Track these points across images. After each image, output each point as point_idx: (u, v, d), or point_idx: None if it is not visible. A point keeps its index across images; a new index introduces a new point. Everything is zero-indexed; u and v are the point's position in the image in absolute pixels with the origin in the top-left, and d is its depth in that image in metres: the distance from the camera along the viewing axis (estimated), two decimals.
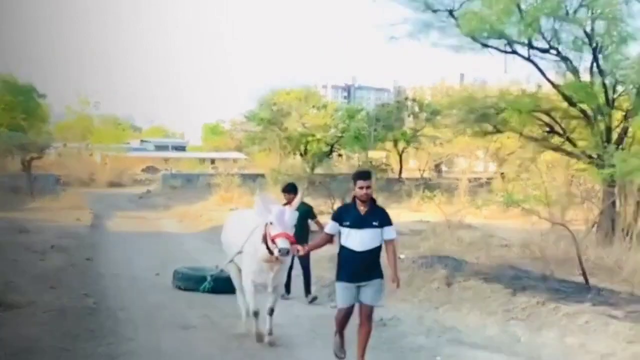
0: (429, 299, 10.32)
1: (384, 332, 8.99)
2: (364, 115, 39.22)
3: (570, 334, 8.34)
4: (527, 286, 10.06)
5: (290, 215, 7.43)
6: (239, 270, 8.66)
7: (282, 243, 7.16)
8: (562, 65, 14.54)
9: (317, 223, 11.22)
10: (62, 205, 26.47)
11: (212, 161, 63.64)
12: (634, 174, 11.96)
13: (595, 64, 13.80)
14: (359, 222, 6.74)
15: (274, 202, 7.84)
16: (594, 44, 13.48)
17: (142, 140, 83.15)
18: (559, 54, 14.26)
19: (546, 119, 15.32)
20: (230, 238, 8.86)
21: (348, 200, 18.60)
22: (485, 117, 15.88)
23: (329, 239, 7.07)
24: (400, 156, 41.52)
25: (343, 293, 6.85)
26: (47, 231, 17.99)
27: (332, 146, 40.55)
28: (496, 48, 14.77)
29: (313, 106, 41.39)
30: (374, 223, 6.75)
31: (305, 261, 10.96)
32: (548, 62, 14.78)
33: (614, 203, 13.11)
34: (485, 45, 14.78)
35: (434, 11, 15.15)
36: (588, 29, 13.46)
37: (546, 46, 14.26)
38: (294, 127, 39.24)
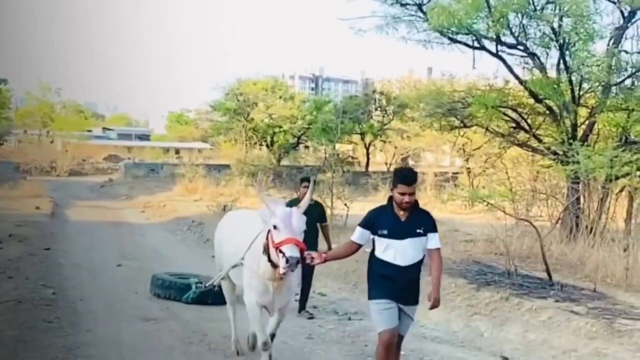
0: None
1: (348, 326, 8.95)
2: (331, 107, 39.16)
3: (533, 329, 8.38)
4: (491, 281, 10.11)
5: (299, 217, 5.83)
6: (234, 286, 7.36)
7: (291, 250, 5.50)
8: (530, 61, 14.61)
9: (325, 229, 9.86)
10: (22, 193, 26.02)
11: (177, 151, 63.14)
12: (599, 171, 12.06)
13: (562, 61, 13.88)
14: (400, 231, 5.51)
15: (279, 202, 6.19)
16: (561, 41, 13.55)
17: (104, 128, 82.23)
18: (526, 49, 14.32)
19: (513, 114, 15.39)
20: (225, 246, 7.17)
21: (316, 193, 18.55)
22: (453, 111, 15.91)
23: (356, 249, 5.73)
24: (368, 149, 41.58)
25: (386, 312, 5.54)
26: (6, 220, 17.64)
27: (298, 138, 40.47)
28: (464, 43, 14.77)
29: (280, 97, 41.24)
30: (418, 230, 5.55)
31: (308, 271, 8.99)
32: (516, 58, 14.85)
33: (578, 199, 13.22)
34: (454, 41, 14.78)
35: (403, 5, 15.09)
36: (555, 26, 13.51)
37: (514, 42, 14.30)
38: (260, 117, 39.07)
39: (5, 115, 48.66)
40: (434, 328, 8.89)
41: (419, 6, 14.87)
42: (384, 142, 42.12)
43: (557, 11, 13.49)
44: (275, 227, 5.71)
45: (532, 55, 14.33)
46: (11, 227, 16.39)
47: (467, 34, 14.29)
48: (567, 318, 8.42)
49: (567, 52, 13.73)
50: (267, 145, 40.02)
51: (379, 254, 5.58)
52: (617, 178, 12.91)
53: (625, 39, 13.74)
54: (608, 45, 13.72)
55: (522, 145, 15.71)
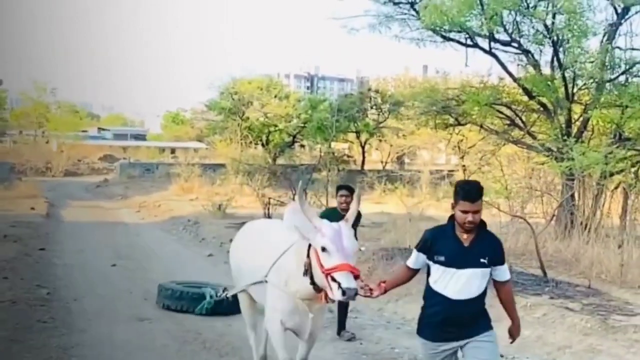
0: (389, 291, 10.28)
1: None
2: (326, 105, 39.13)
3: (527, 326, 8.37)
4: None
5: (350, 235, 4.92)
6: (253, 302, 6.36)
7: (347, 280, 4.58)
8: (524, 58, 14.63)
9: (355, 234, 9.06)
10: (17, 194, 25.98)
11: (172, 150, 63.04)
12: (593, 168, 12.08)
13: (555, 58, 13.89)
14: (461, 258, 4.58)
15: (314, 213, 5.17)
16: (555, 38, 13.56)
17: (100, 129, 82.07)
18: (520, 47, 14.33)
19: (507, 112, 15.42)
20: (244, 260, 6.18)
21: (310, 192, 18.35)
22: (447, 109, 15.93)
23: (413, 274, 4.88)
24: (363, 148, 41.57)
25: (433, 353, 4.74)
26: (1, 220, 17.60)
27: (294, 137, 40.42)
28: (457, 41, 14.78)
29: (275, 96, 41.20)
30: (482, 260, 4.60)
31: None
32: (509, 56, 14.87)
33: (573, 196, 13.24)
34: (447, 39, 14.79)
35: (395, 3, 15.11)
36: (549, 23, 13.52)
37: (507, 39, 14.31)
38: (255, 116, 39.03)
39: (1, 116, 48.55)
40: None
41: (412, 4, 14.89)
42: (380, 140, 42.09)
43: (550, 8, 13.50)
44: (324, 250, 4.77)
45: (526, 52, 14.35)
46: (6, 227, 16.35)
47: (460, 32, 14.31)
48: (562, 315, 8.43)
49: (560, 49, 13.75)
50: (262, 144, 39.98)
51: (432, 282, 4.69)
52: (611, 174, 12.94)
53: (619, 35, 13.76)
54: (601, 41, 13.74)
55: (516, 142, 15.73)
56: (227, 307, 8.27)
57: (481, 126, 15.99)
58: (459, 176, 28.37)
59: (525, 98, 14.77)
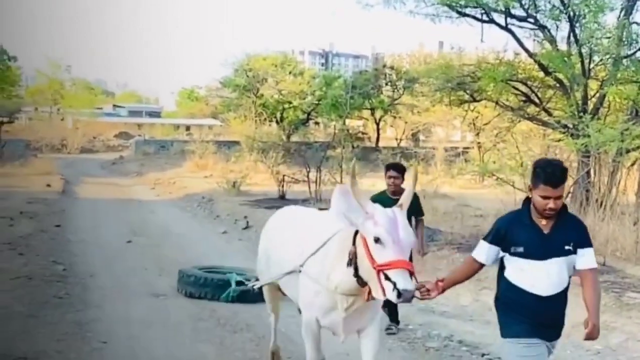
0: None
1: None
2: (341, 82, 38.96)
3: None
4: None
5: (406, 225, 4.22)
6: (278, 292, 5.81)
7: (404, 281, 3.93)
8: (540, 34, 14.45)
9: (420, 224, 7.91)
10: (32, 171, 26.17)
11: (187, 128, 63.16)
12: (609, 145, 11.96)
13: (572, 33, 13.72)
14: (543, 248, 4.01)
15: (366, 197, 4.44)
16: (571, 13, 13.38)
17: (115, 106, 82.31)
18: (536, 22, 14.15)
19: (523, 88, 15.27)
20: (275, 248, 5.52)
21: (324, 169, 18.29)
22: (462, 85, 15.80)
23: (479, 268, 4.33)
24: (378, 125, 41.42)
25: (529, 355, 4.09)
26: (17, 197, 17.75)
27: (308, 114, 40.34)
28: (473, 16, 14.61)
29: (289, 72, 41.08)
30: (567, 247, 4.04)
31: None
32: (525, 31, 14.69)
33: (588, 173, 13.13)
34: (462, 14, 14.63)
35: None
36: None
37: (524, 14, 14.14)
38: (269, 93, 38.97)
39: (16, 93, 48.82)
40: (443, 302, 8.87)
41: None
42: (394, 117, 41.91)
43: None
44: (377, 241, 4.07)
45: (542, 27, 14.17)
46: (22, 204, 16.50)
47: (475, 7, 14.14)
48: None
49: (577, 25, 13.57)
50: (276, 122, 39.92)
51: (511, 277, 4.13)
52: (627, 151, 12.81)
53: (636, 10, 13.56)
54: (618, 17, 13.54)
55: (532, 119, 15.60)
56: (254, 295, 7.57)
57: (496, 103, 15.86)
58: (474, 153, 28.24)
59: (541, 74, 14.62)
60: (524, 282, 4.05)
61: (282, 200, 18.70)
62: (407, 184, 4.73)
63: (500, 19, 14.39)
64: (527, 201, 4.15)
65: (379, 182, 23.81)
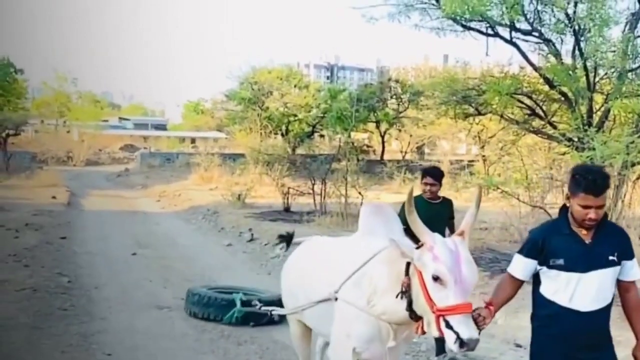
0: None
1: None
2: (346, 95, 39.01)
3: None
4: (505, 269, 10.04)
5: (470, 260, 3.74)
6: (308, 330, 5.20)
7: (468, 330, 3.49)
8: (544, 47, 14.48)
9: (450, 223, 7.28)
10: (38, 183, 26.24)
11: (193, 140, 63.30)
12: (614, 158, 11.95)
13: (577, 47, 13.74)
14: (585, 259, 3.70)
15: (423, 225, 3.77)
16: (576, 27, 13.41)
17: (121, 118, 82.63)
18: (541, 36, 14.18)
19: (528, 101, 15.28)
20: (301, 282, 4.88)
21: (329, 182, 18.24)
22: (467, 98, 15.82)
23: (519, 285, 3.98)
24: (383, 137, 41.45)
25: None
26: (22, 209, 17.80)
27: (313, 126, 40.40)
28: (478, 30, 14.66)
29: (295, 85, 41.16)
30: (611, 258, 3.73)
31: None
32: (530, 45, 14.72)
33: None
34: (467, 28, 14.67)
35: None
36: (570, 12, 13.37)
37: (529, 28, 14.17)
38: (275, 106, 39.04)
39: (22, 106, 48.92)
40: None
41: None
42: (400, 130, 41.93)
43: None
44: (436, 279, 3.56)
45: (547, 41, 14.19)
46: (28, 216, 16.54)
47: (480, 21, 14.18)
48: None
49: (582, 38, 13.58)
50: (282, 134, 39.97)
51: (547, 293, 3.81)
52: (633, 165, 12.79)
53: None
54: (623, 30, 13.56)
55: (537, 132, 15.60)
56: (260, 316, 7.20)
57: (501, 116, 15.87)
58: (479, 166, 28.23)
59: (546, 87, 14.63)
60: (561, 296, 3.73)
61: (286, 212, 18.72)
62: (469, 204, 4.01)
63: (505, 32, 14.43)
64: (564, 210, 3.84)
65: (384, 194, 23.91)
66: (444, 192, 20.24)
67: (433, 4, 14.70)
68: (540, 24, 13.99)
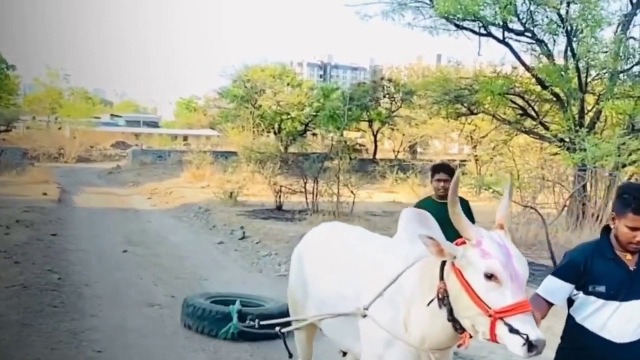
0: None
1: None
2: (339, 94, 39.01)
3: None
4: None
5: (519, 254, 3.26)
6: (313, 333, 4.82)
7: (534, 330, 3.01)
8: (537, 48, 14.54)
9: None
10: (29, 179, 26.09)
11: (185, 138, 63.15)
12: (606, 159, 12.01)
13: (569, 48, 13.80)
14: (627, 287, 3.37)
15: (467, 220, 3.28)
16: (568, 27, 13.46)
17: (112, 115, 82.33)
18: (533, 36, 14.25)
19: (520, 101, 15.35)
20: (319, 277, 4.31)
21: (321, 180, 18.25)
22: (459, 98, 15.87)
23: (548, 308, 3.59)
24: (375, 137, 41.46)
25: None
26: (13, 205, 17.68)
27: (306, 125, 40.37)
28: (471, 30, 14.70)
29: (288, 84, 41.12)
30: None
31: None
32: (523, 45, 14.79)
33: (584, 187, 13.18)
34: (460, 27, 14.71)
35: None
36: (563, 12, 13.45)
37: (521, 29, 14.23)
38: (268, 104, 38.99)
39: (14, 102, 48.81)
40: None
41: None
42: (392, 129, 41.95)
43: None
44: (489, 277, 3.09)
45: (539, 41, 14.27)
46: (18, 212, 16.44)
47: (473, 21, 14.25)
48: None
49: (574, 39, 13.66)
50: (274, 133, 39.94)
51: (579, 316, 3.48)
52: (624, 166, 12.87)
53: (633, 25, 13.71)
54: (615, 32, 13.64)
55: (529, 132, 15.68)
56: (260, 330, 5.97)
57: (494, 116, 15.94)
58: (471, 166, 28.29)
59: (538, 88, 14.71)
60: (593, 322, 3.41)
61: (279, 210, 18.70)
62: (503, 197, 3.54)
63: (497, 32, 14.50)
64: (606, 231, 3.50)
65: (376, 193, 23.89)
66: None
67: (426, 3, 14.75)
68: (532, 25, 14.05)
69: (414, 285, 3.46)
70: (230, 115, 41.83)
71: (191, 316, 7.71)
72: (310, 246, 4.67)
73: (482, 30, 14.56)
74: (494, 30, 14.51)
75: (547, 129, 14.88)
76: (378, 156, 39.90)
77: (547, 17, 14.00)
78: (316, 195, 18.17)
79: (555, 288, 3.52)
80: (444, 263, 3.30)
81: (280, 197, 19.39)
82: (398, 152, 42.49)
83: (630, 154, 12.35)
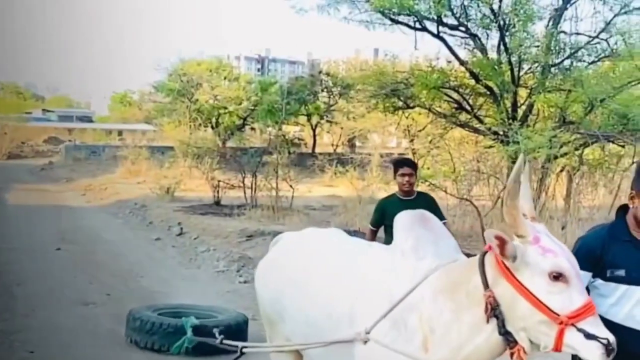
0: None
1: None
2: (277, 88, 38.90)
3: None
4: None
5: (570, 251, 2.97)
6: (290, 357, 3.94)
7: (607, 333, 2.72)
8: (471, 42, 14.73)
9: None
10: None
11: (120, 133, 62.03)
12: (538, 151, 12.28)
13: (502, 42, 14.04)
14: None
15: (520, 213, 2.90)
16: (501, 22, 13.69)
17: (44, 110, 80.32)
18: (467, 31, 14.43)
19: (455, 95, 15.53)
20: (300, 294, 3.67)
21: (260, 175, 18.20)
22: (396, 92, 15.97)
23: None
24: (314, 131, 41.55)
25: None
26: None
27: (244, 119, 40.17)
28: (406, 24, 14.80)
29: (225, 78, 40.85)
30: None
31: None
32: (457, 39, 14.95)
33: None
34: (396, 22, 14.80)
35: None
36: (495, 7, 13.65)
37: (455, 23, 14.39)
38: (204, 98, 38.66)
39: None
40: None
41: None
42: (331, 123, 42.11)
43: None
44: (557, 277, 2.74)
45: (473, 36, 14.45)
46: None
47: (408, 15, 14.32)
48: None
49: (506, 33, 13.89)
50: (212, 127, 39.60)
51: (604, 312, 3.11)
52: (556, 158, 13.18)
53: (564, 20, 13.95)
54: (547, 26, 13.93)
55: (464, 125, 15.88)
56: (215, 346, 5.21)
57: (429, 109, 16.09)
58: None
59: (473, 82, 14.90)
60: (618, 313, 3.15)
61: (217, 206, 18.57)
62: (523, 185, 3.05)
63: (432, 27, 14.61)
64: (622, 212, 3.28)
65: (315, 188, 23.93)
66: (376, 184, 20.34)
67: None
68: (466, 19, 14.23)
69: (434, 302, 3.01)
70: (166, 109, 41.31)
71: (138, 331, 6.97)
72: (283, 256, 4.03)
73: (417, 25, 14.66)
74: (428, 24, 14.62)
75: (481, 122, 15.11)
76: (317, 150, 40.00)
77: (480, 11, 14.18)
78: (255, 190, 18.10)
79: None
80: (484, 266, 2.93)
81: (218, 192, 19.25)
82: (337, 146, 42.69)
83: (561, 146, 12.64)
